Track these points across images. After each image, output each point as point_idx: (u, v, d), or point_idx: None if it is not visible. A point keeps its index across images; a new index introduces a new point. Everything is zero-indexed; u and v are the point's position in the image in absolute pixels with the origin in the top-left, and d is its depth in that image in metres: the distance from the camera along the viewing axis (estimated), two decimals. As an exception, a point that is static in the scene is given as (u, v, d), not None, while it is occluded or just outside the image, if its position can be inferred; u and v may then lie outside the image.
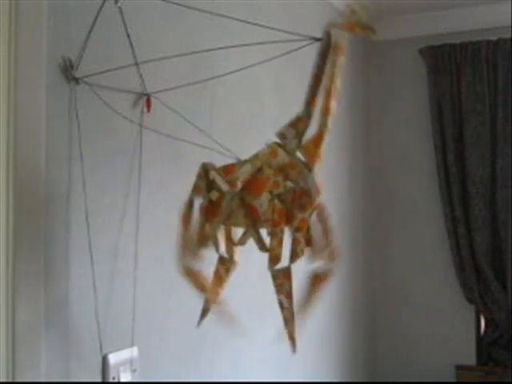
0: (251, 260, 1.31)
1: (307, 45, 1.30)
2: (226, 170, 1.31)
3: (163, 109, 1.60)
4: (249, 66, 1.61)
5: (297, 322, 1.21)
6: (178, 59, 1.62)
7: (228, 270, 1.34)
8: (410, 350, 3.34)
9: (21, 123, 1.19)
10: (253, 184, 1.23)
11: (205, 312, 1.38)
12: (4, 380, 1.17)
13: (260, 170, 1.22)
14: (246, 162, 1.27)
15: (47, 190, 1.26)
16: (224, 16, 1.65)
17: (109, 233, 1.45)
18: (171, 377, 1.66)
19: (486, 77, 3.13)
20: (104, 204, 1.43)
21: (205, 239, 1.31)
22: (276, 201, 1.20)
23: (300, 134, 1.19)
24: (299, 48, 1.32)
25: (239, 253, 1.34)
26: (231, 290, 1.36)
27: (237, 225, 1.28)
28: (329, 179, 1.21)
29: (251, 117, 2.15)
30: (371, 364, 3.39)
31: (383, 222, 3.44)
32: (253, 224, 1.24)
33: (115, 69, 1.42)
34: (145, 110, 1.55)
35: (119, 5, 1.40)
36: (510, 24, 3.02)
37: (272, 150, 1.22)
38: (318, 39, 1.23)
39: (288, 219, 1.19)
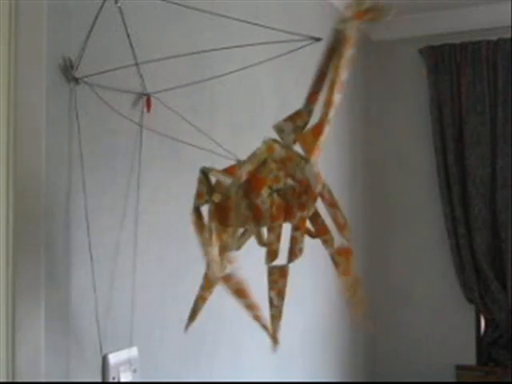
0: (252, 258, 1.31)
1: (307, 45, 1.30)
2: (227, 172, 1.31)
3: (163, 109, 1.60)
4: (249, 66, 1.61)
5: (279, 319, 1.19)
6: (178, 59, 1.62)
7: (237, 280, 1.31)
8: (409, 350, 3.34)
9: (21, 123, 1.19)
10: (255, 181, 1.22)
11: (194, 314, 1.36)
12: (4, 380, 1.17)
13: (264, 162, 1.21)
14: (245, 161, 1.27)
15: (47, 190, 1.26)
16: (224, 16, 1.65)
17: (109, 233, 1.45)
18: (171, 377, 1.66)
19: (486, 77, 3.13)
20: (104, 204, 1.43)
21: (229, 247, 1.30)
22: (275, 195, 1.19)
23: (298, 129, 1.18)
24: (299, 48, 1.32)
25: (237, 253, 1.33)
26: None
27: (243, 221, 1.26)
28: (328, 179, 1.21)
29: (251, 117, 2.15)
30: (371, 364, 3.39)
31: (383, 222, 3.44)
32: (254, 219, 1.22)
33: (115, 69, 1.42)
34: (145, 110, 1.55)
35: (119, 5, 1.40)
36: (510, 24, 3.02)
37: (268, 146, 1.22)
38: (317, 39, 1.23)
39: (287, 215, 1.19)
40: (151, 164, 1.59)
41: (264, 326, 1.26)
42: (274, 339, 1.22)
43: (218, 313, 1.88)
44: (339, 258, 1.19)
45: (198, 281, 1.36)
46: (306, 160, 1.16)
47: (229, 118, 2.00)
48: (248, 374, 2.08)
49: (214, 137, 1.68)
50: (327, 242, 1.19)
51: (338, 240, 1.20)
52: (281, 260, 1.19)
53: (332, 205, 1.18)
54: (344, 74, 1.12)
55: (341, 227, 1.18)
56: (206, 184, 1.31)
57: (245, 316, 1.29)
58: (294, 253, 1.17)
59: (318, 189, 1.16)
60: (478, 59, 3.14)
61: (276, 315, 1.19)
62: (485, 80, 3.13)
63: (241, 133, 2.04)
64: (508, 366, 3.11)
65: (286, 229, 1.20)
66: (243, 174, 1.21)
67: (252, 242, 1.28)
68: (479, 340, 3.25)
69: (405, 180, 3.40)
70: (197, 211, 1.32)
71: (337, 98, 1.13)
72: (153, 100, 1.56)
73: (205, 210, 1.33)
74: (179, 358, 1.72)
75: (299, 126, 1.18)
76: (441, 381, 3.24)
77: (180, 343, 1.71)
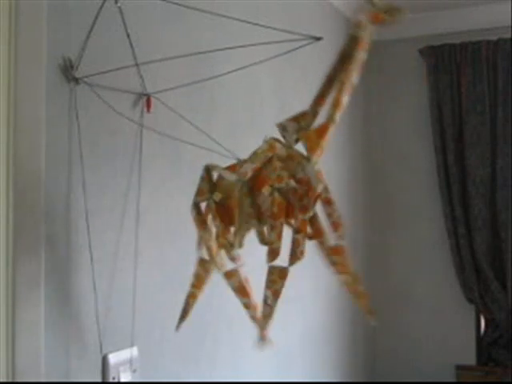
0: (252, 259, 1.31)
1: (307, 44, 1.30)
2: (230, 170, 1.31)
3: (163, 109, 1.60)
4: (249, 66, 1.61)
5: (270, 318, 1.20)
6: (178, 59, 1.62)
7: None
8: (409, 350, 3.34)
9: (21, 123, 1.19)
10: (257, 179, 1.22)
11: (185, 314, 1.36)
12: (4, 380, 1.17)
13: (270, 160, 1.21)
14: (246, 160, 1.27)
15: (47, 190, 1.26)
16: (224, 16, 1.65)
17: (109, 233, 1.45)
18: (171, 377, 1.66)
19: (486, 77, 3.13)
20: (104, 204, 1.43)
21: (232, 246, 1.29)
22: (276, 194, 1.19)
23: (301, 129, 1.18)
24: (299, 48, 1.32)
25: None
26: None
27: (246, 218, 1.27)
28: (328, 179, 1.21)
29: (251, 117, 2.15)
30: (371, 364, 3.39)
31: (383, 221, 3.44)
32: (256, 217, 1.22)
33: (115, 69, 1.42)
34: (145, 110, 1.55)
35: (119, 5, 1.40)
36: (510, 24, 3.02)
37: (270, 145, 1.22)
38: (318, 39, 1.23)
39: (288, 213, 1.19)
40: (151, 164, 1.59)
41: (260, 327, 1.27)
42: (263, 336, 1.21)
43: (218, 313, 1.88)
44: (335, 257, 1.19)
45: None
46: (308, 159, 1.16)
47: (229, 117, 2.00)
48: (248, 374, 2.08)
49: (213, 137, 1.68)
50: (322, 243, 1.20)
51: (331, 239, 1.20)
52: (282, 260, 1.19)
53: (328, 202, 1.18)
54: (354, 77, 1.12)
55: (335, 225, 1.18)
56: (208, 182, 1.31)
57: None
58: (295, 255, 1.17)
59: (319, 188, 1.16)
60: (478, 59, 3.14)
61: (267, 314, 1.20)
62: (485, 80, 3.12)
63: (240, 133, 2.04)
64: (508, 366, 3.11)
65: (287, 230, 1.21)
66: (248, 171, 1.22)
67: (255, 241, 1.28)
68: (479, 340, 3.25)
69: (405, 180, 3.40)
70: (196, 207, 1.32)
71: (345, 100, 1.13)
72: (153, 100, 1.56)
73: (203, 206, 1.33)
74: (179, 358, 1.72)
75: (303, 127, 1.18)
76: (441, 381, 3.24)
77: (180, 343, 1.71)
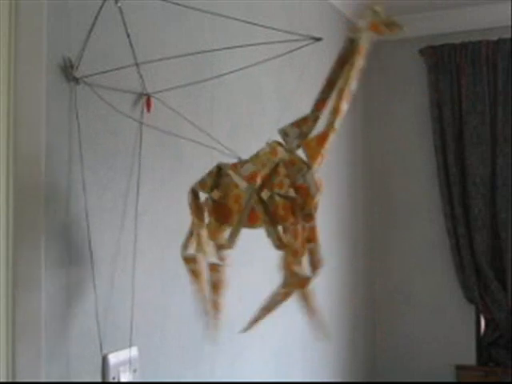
0: (252, 259, 1.31)
1: (307, 44, 1.30)
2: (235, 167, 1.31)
3: (163, 109, 1.60)
4: (249, 66, 1.61)
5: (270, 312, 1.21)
6: (178, 59, 1.62)
7: (222, 274, 1.33)
8: (409, 350, 3.34)
9: (21, 123, 1.19)
10: (268, 176, 1.22)
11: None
12: (4, 380, 1.17)
13: (277, 166, 1.21)
14: (247, 161, 1.27)
15: (47, 189, 1.26)
16: (224, 16, 1.65)
17: (109, 232, 1.45)
18: (171, 377, 1.66)
19: (486, 77, 3.13)
20: (104, 204, 1.43)
21: (224, 247, 1.31)
22: (277, 197, 1.19)
23: (303, 135, 1.18)
24: (299, 48, 1.32)
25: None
26: (230, 289, 1.36)
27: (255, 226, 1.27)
28: (329, 179, 1.21)
29: (251, 117, 2.15)
30: (371, 364, 3.39)
31: (383, 221, 3.44)
32: (271, 221, 1.22)
33: (115, 69, 1.42)
34: (145, 109, 1.55)
35: (119, 5, 1.40)
36: (509, 24, 3.02)
37: (272, 148, 1.22)
38: (318, 39, 1.23)
39: (294, 214, 1.19)
40: (151, 164, 1.59)
41: (210, 324, 1.29)
42: (250, 324, 1.22)
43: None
44: (292, 279, 1.20)
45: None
46: (309, 166, 1.16)
47: (229, 117, 2.00)
48: (248, 374, 2.08)
49: (213, 137, 1.68)
50: (296, 251, 1.19)
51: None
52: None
53: (313, 240, 1.19)
54: (353, 84, 1.13)
55: (315, 264, 1.18)
56: (213, 178, 1.31)
57: (245, 316, 1.29)
58: (314, 265, 1.18)
59: (317, 197, 1.16)
60: (478, 59, 3.14)
61: (268, 309, 1.21)
62: (485, 80, 3.12)
63: (241, 133, 2.04)
64: (508, 366, 3.11)
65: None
66: (258, 179, 1.22)
67: (256, 246, 1.28)
68: (479, 340, 3.25)
69: (405, 180, 3.40)
70: (194, 193, 1.33)
71: (344, 107, 1.13)
72: (153, 100, 1.55)
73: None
74: (179, 358, 1.72)
75: (304, 132, 1.18)
76: (441, 381, 3.24)
77: (180, 343, 1.71)
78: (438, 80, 3.22)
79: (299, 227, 1.18)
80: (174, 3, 1.47)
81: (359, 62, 1.13)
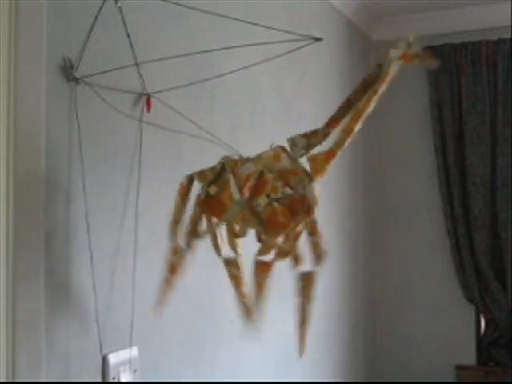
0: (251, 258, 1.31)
1: (307, 44, 1.30)
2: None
3: (163, 109, 1.60)
4: (249, 66, 1.61)
5: (309, 324, 1.21)
6: (178, 59, 1.62)
7: (238, 268, 1.33)
8: (410, 350, 3.34)
9: (21, 123, 1.19)
10: (255, 187, 1.23)
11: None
12: (4, 380, 1.17)
13: (261, 174, 1.23)
14: (248, 160, 1.28)
15: (47, 189, 1.26)
16: (224, 16, 1.65)
17: (109, 232, 1.45)
18: (171, 377, 1.66)
19: (486, 77, 3.13)
20: (104, 204, 1.43)
21: (200, 235, 1.32)
22: (275, 204, 1.20)
23: (310, 146, 1.20)
24: (299, 48, 1.32)
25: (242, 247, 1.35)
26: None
27: (247, 227, 1.28)
28: (329, 179, 1.22)
29: (251, 117, 2.15)
30: (371, 364, 3.39)
31: (383, 221, 3.44)
32: (267, 230, 1.23)
33: (115, 69, 1.42)
34: (145, 109, 1.55)
35: (119, 5, 1.40)
36: (509, 24, 3.02)
37: (276, 153, 1.23)
38: (318, 39, 1.23)
39: (294, 219, 1.20)
40: (151, 164, 1.59)
41: (246, 313, 1.28)
42: (302, 344, 1.22)
43: (218, 313, 1.88)
44: (305, 282, 1.20)
45: (198, 281, 1.36)
46: (311, 179, 1.18)
47: (229, 117, 2.00)
48: (248, 374, 2.08)
49: (213, 136, 1.68)
50: (298, 257, 1.20)
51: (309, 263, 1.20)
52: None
53: (314, 233, 1.20)
54: (371, 107, 1.14)
55: (318, 255, 1.19)
56: (215, 174, 1.32)
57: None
58: (318, 256, 1.19)
59: (314, 209, 1.18)
60: (478, 59, 3.14)
61: (305, 320, 1.21)
62: (485, 80, 3.12)
63: (241, 133, 2.04)
64: (508, 366, 3.11)
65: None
66: (246, 193, 1.23)
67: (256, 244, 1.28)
68: (479, 340, 3.25)
69: (405, 180, 3.40)
70: (190, 180, 1.34)
71: (357, 127, 1.15)
72: (153, 100, 1.55)
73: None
74: (179, 358, 1.72)
75: (312, 144, 1.20)
76: (441, 381, 3.24)
77: (180, 343, 1.71)
78: (438, 80, 3.21)
79: (300, 226, 1.19)
80: (173, 3, 1.47)
81: (382, 88, 1.16)
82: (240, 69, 1.64)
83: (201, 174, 1.34)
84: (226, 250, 1.34)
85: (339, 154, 1.16)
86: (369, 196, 3.40)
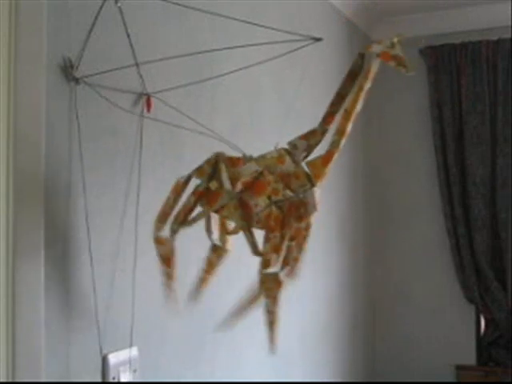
0: (253, 258, 1.31)
1: (307, 45, 1.30)
2: (233, 162, 1.32)
3: (163, 109, 1.60)
4: (249, 66, 1.61)
5: (277, 324, 1.23)
6: (178, 59, 1.62)
7: (220, 257, 1.37)
8: (409, 350, 3.34)
9: (21, 123, 1.19)
10: (253, 186, 1.24)
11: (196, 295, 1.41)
12: (4, 380, 1.17)
13: (261, 173, 1.23)
14: (251, 159, 1.28)
15: (47, 189, 1.26)
16: (224, 16, 1.65)
17: (109, 233, 1.45)
18: (171, 377, 1.66)
19: (486, 77, 3.13)
20: (104, 204, 1.43)
21: (193, 220, 1.34)
22: (274, 207, 1.21)
23: (310, 147, 1.22)
24: (299, 48, 1.32)
25: (233, 245, 1.36)
26: (231, 288, 1.37)
27: (230, 219, 1.30)
28: (328, 179, 1.22)
29: (252, 117, 2.15)
30: (371, 364, 3.39)
31: (383, 221, 3.44)
32: (247, 222, 1.25)
33: (115, 69, 1.42)
34: (145, 109, 1.55)
35: (119, 5, 1.40)
36: (509, 24, 3.02)
37: (280, 155, 1.24)
38: (318, 39, 1.23)
39: (282, 226, 1.21)
40: (151, 164, 1.59)
41: (171, 297, 1.34)
42: (273, 344, 1.24)
43: (218, 313, 1.88)
44: (271, 284, 1.21)
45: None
46: (312, 184, 1.19)
47: (229, 118, 2.00)
48: (248, 374, 2.08)
49: (214, 135, 1.68)
50: (268, 261, 1.21)
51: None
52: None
53: (295, 239, 1.21)
54: (359, 106, 1.15)
55: (288, 261, 1.20)
56: (212, 167, 1.32)
57: (245, 316, 1.29)
58: (286, 261, 1.21)
59: (313, 215, 1.19)
60: (478, 59, 3.14)
61: (272, 321, 1.22)
62: (485, 80, 3.12)
63: (241, 133, 2.04)
64: (508, 366, 3.11)
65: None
66: (238, 185, 1.25)
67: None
68: (479, 340, 3.25)
69: (405, 180, 3.40)
70: (187, 179, 1.35)
71: (349, 128, 1.17)
72: (153, 100, 1.55)
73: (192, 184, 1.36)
74: (179, 357, 1.72)
75: (312, 145, 1.21)
76: (441, 381, 3.24)
77: (180, 343, 1.71)
78: (438, 80, 3.21)
79: (291, 229, 1.20)
80: (173, 3, 1.47)
81: (367, 85, 1.16)
82: (240, 69, 1.64)
83: (198, 171, 1.35)
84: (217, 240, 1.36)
85: (336, 156, 1.17)
86: (369, 196, 3.40)
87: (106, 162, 1.44)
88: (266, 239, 1.22)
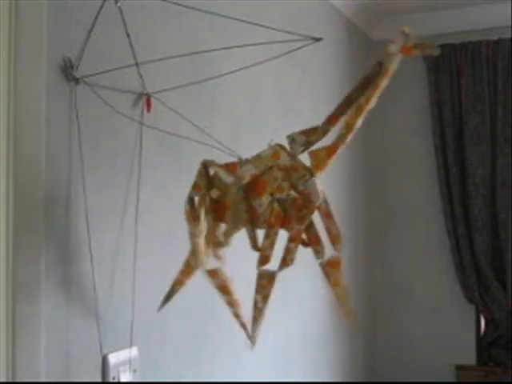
0: (252, 259, 1.31)
1: (307, 45, 1.30)
2: (228, 168, 1.31)
3: (163, 109, 1.60)
4: (249, 66, 1.61)
5: (260, 321, 1.24)
6: (178, 59, 1.62)
7: (223, 276, 1.35)
8: (409, 350, 3.34)
9: (21, 123, 1.19)
10: (256, 184, 1.24)
11: (168, 297, 1.40)
12: (4, 380, 1.17)
13: (270, 169, 1.22)
14: (247, 161, 1.28)
15: (47, 189, 1.26)
16: (224, 16, 1.65)
17: (109, 233, 1.45)
18: (171, 377, 1.66)
19: (486, 77, 3.13)
20: (104, 204, 1.43)
21: (220, 244, 1.32)
22: (276, 204, 1.21)
23: (309, 144, 1.20)
24: (299, 48, 1.32)
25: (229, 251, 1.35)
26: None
27: (239, 223, 1.29)
28: (329, 179, 1.22)
29: (252, 117, 2.15)
30: (371, 364, 3.39)
31: (383, 221, 3.44)
32: (250, 222, 1.25)
33: (115, 69, 1.42)
34: (145, 109, 1.55)
35: (119, 5, 1.40)
36: (509, 24, 3.02)
37: (275, 151, 1.23)
38: (318, 39, 1.23)
39: (283, 223, 1.21)
40: (151, 164, 1.59)
41: (242, 324, 1.31)
42: (252, 339, 1.26)
43: (218, 313, 1.88)
44: (329, 269, 1.22)
45: (198, 281, 1.36)
46: (312, 174, 1.18)
47: (229, 118, 2.00)
48: (248, 374, 2.08)
49: (214, 137, 1.68)
50: (318, 252, 1.22)
51: (328, 251, 1.22)
52: (272, 266, 1.21)
53: (327, 215, 1.20)
54: (373, 103, 1.15)
55: (333, 238, 1.21)
56: (205, 177, 1.32)
57: (245, 315, 1.29)
58: (285, 262, 1.20)
59: (317, 203, 1.18)
60: (478, 59, 3.14)
61: (258, 317, 1.23)
62: (485, 80, 3.12)
63: (241, 133, 2.04)
64: (508, 366, 3.11)
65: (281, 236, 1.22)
66: (246, 176, 1.23)
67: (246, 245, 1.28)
68: (479, 340, 3.25)
69: (405, 180, 3.40)
70: (191, 202, 1.34)
71: (359, 123, 1.15)
72: (153, 100, 1.55)
73: (196, 201, 1.35)
74: (179, 358, 1.72)
75: (311, 142, 1.20)
76: (441, 381, 3.24)
77: (180, 343, 1.71)
78: (438, 80, 3.21)
79: (292, 230, 1.20)
80: (173, 3, 1.47)
81: (383, 83, 1.15)
82: (240, 69, 1.64)
83: (194, 187, 1.34)
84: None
85: (341, 149, 1.16)
86: (369, 196, 3.40)
87: (105, 162, 1.44)
88: (266, 235, 1.22)
